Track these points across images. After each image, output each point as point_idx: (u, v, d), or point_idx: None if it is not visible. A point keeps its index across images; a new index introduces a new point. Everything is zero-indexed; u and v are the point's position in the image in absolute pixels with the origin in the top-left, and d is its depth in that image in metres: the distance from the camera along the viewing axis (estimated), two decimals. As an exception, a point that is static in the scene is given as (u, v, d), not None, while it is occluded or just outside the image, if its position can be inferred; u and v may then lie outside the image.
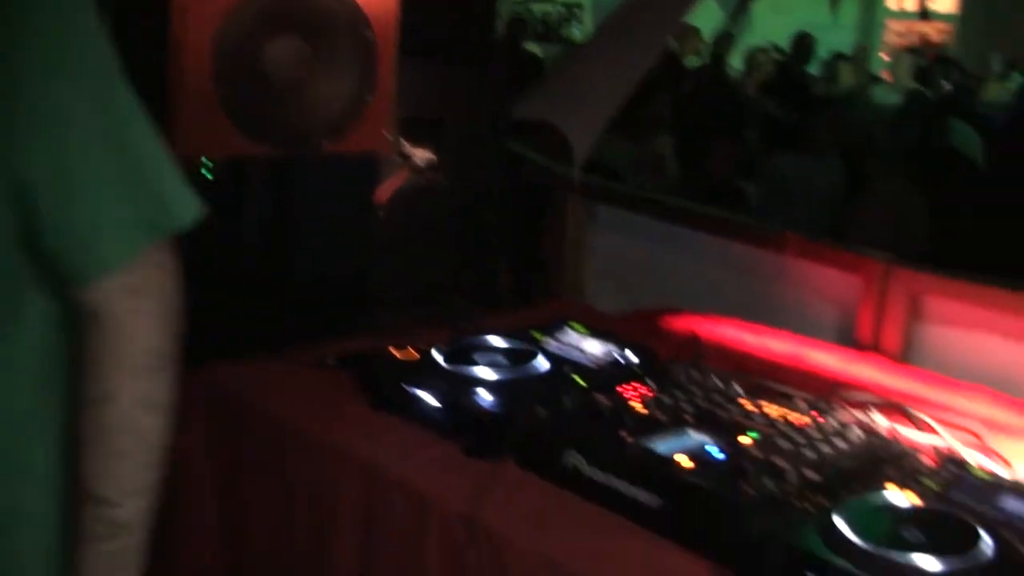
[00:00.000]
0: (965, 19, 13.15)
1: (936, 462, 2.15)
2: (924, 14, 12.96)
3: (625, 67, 3.75)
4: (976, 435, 2.41)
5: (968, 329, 2.82)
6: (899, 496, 1.95)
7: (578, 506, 2.13)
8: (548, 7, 11.48)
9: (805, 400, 2.44)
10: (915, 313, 2.88)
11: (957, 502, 1.97)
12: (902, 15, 13.07)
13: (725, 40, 9.28)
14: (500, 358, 2.58)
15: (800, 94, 8.03)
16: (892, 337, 2.87)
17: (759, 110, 7.37)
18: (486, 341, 2.66)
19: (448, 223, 4.50)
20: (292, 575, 2.49)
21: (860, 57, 10.41)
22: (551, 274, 3.93)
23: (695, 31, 9.24)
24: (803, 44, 8.98)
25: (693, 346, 2.75)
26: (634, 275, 3.63)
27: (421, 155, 4.21)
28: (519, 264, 4.47)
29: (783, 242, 3.12)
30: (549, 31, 12.37)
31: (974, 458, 2.25)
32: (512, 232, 4.42)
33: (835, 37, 12.06)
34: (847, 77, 10.58)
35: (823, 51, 10.43)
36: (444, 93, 4.58)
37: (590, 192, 3.80)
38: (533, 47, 10.39)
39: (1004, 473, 2.20)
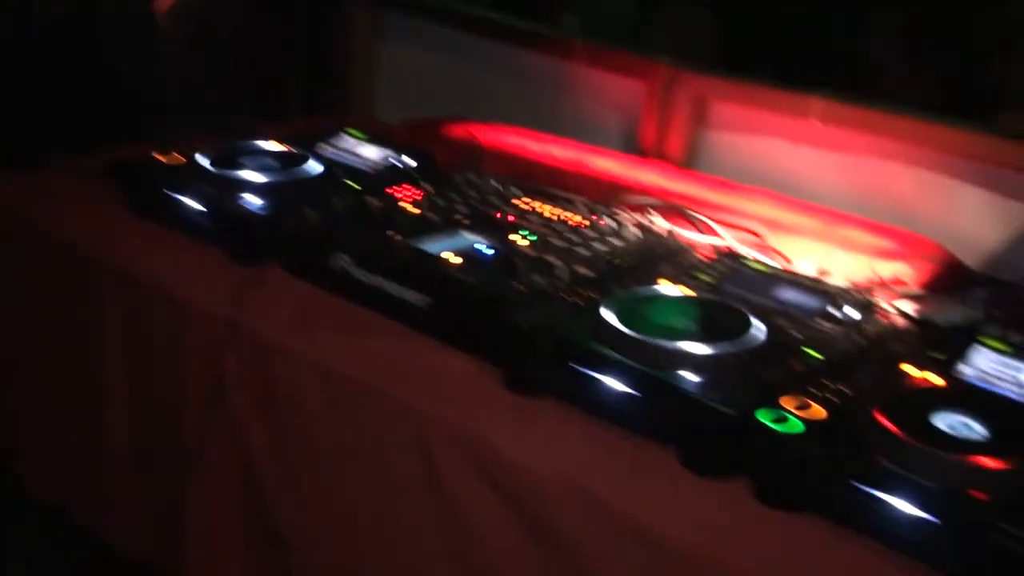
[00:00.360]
0: None
1: (712, 258, 2.12)
2: None
3: None
4: (756, 235, 2.39)
5: (753, 134, 2.78)
6: (671, 289, 1.91)
7: (346, 309, 2.04)
8: None
9: (585, 204, 2.38)
10: (700, 119, 2.83)
11: (731, 293, 1.95)
12: None
13: None
14: (270, 162, 2.45)
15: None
16: (676, 143, 2.82)
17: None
18: (256, 146, 2.52)
19: (232, 32, 4.26)
20: (55, 386, 2.37)
21: None
22: (338, 86, 3.77)
23: None
24: None
25: (473, 152, 2.66)
26: (424, 86, 3.49)
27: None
28: (306, 75, 4.28)
29: (570, 49, 3.02)
30: None
31: (756, 256, 2.23)
32: (299, 42, 4.21)
33: None
34: None
35: None
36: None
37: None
38: None
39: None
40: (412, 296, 1.94)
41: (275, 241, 2.17)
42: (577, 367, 1.70)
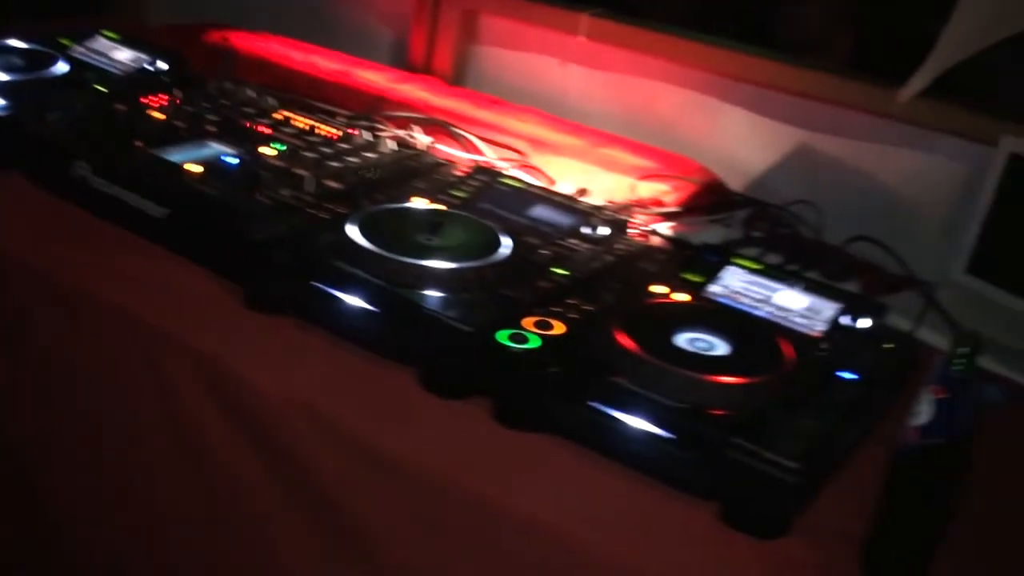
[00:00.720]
0: None
1: (468, 174, 2.07)
2: None
3: None
4: (520, 152, 2.35)
5: (523, 50, 2.73)
6: (421, 204, 1.85)
7: (88, 221, 1.92)
8: None
9: (345, 117, 2.30)
10: (470, 34, 2.76)
11: (484, 210, 1.90)
12: None
13: None
14: (16, 60, 2.30)
15: None
16: (445, 58, 2.75)
17: None
18: (3, 43, 2.36)
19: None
20: None
21: None
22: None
23: None
24: None
25: (232, 59, 2.54)
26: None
27: None
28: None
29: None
30: None
31: (517, 174, 2.19)
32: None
33: None
34: None
35: None
36: None
37: None
38: None
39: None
40: (152, 208, 1.83)
41: (13, 146, 2.03)
42: (318, 284, 1.63)
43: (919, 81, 2.19)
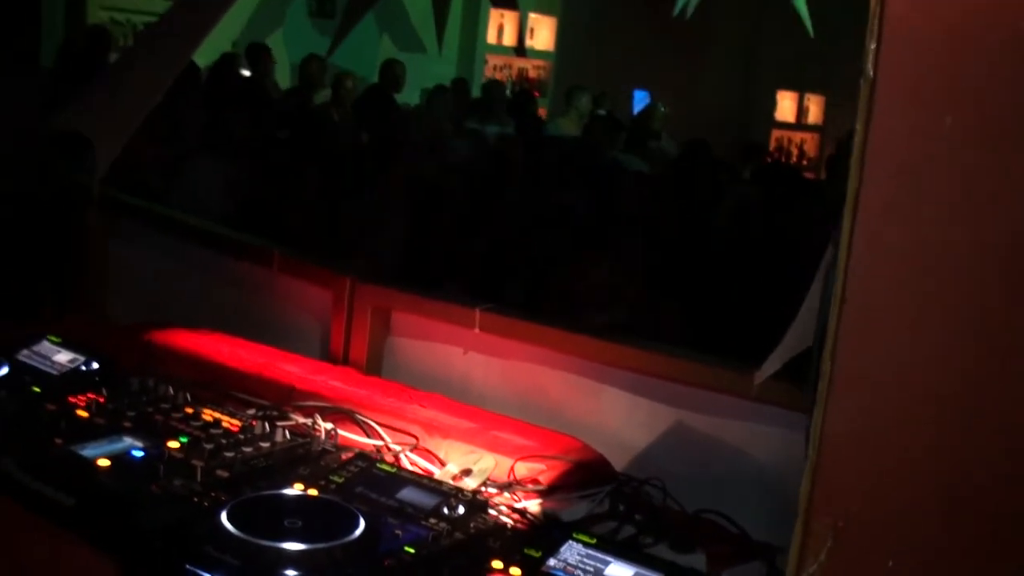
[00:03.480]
0: (559, 57, 13.92)
1: (348, 458, 2.31)
2: (520, 50, 13.60)
3: (152, 81, 3.82)
4: (415, 436, 2.60)
5: (431, 341, 3.02)
6: (295, 491, 2.10)
7: (11, 509, 2.17)
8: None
9: (256, 407, 2.58)
10: (383, 327, 3.07)
11: (356, 492, 2.14)
12: (501, 49, 13.64)
13: (314, 64, 9.37)
14: (-42, 369, 2.59)
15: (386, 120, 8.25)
16: (360, 349, 3.04)
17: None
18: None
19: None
20: None
21: (460, 88, 10.76)
22: (74, 286, 3.92)
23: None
24: (391, 71, 9.20)
25: (163, 357, 2.84)
26: (152, 289, 3.69)
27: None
28: (53, 276, 4.41)
29: (271, 258, 3.26)
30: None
31: (406, 459, 2.44)
32: (48, 243, 4.35)
33: (438, 68, 12.47)
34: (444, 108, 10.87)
35: (428, 81, 10.76)
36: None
37: (112, 205, 3.83)
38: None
39: (435, 469, 2.41)
40: (63, 497, 2.08)
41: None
42: (192, 567, 1.86)
43: (771, 366, 2.47)
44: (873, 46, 1.07)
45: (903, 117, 1.10)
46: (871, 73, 1.08)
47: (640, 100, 13.93)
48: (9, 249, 4.21)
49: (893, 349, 1.21)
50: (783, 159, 13.91)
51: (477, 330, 2.87)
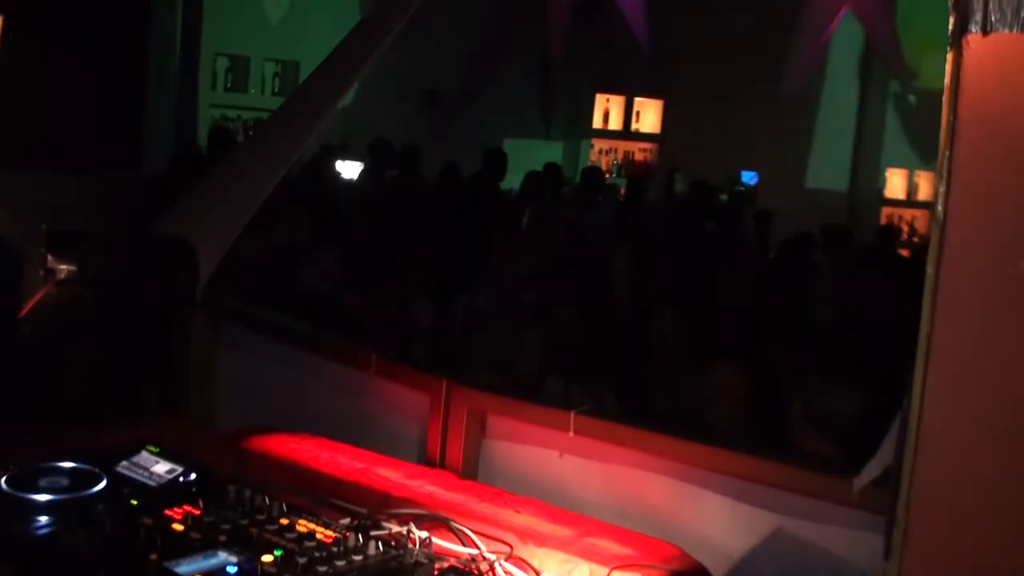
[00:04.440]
0: (665, 139, 13.94)
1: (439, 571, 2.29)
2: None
3: (255, 185, 3.89)
4: (509, 545, 2.57)
5: (525, 444, 3.01)
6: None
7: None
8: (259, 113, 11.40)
9: (354, 515, 2.57)
10: (478, 430, 3.06)
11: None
12: (606, 133, 13.74)
13: (413, 152, 9.51)
14: (63, 480, 2.62)
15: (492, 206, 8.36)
16: (456, 453, 3.04)
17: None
18: (55, 466, 2.69)
19: (92, 337, 4.47)
20: None
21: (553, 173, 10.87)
22: (181, 390, 3.99)
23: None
24: (494, 159, 9.30)
25: (252, 466, 2.86)
26: (254, 394, 3.73)
27: (65, 268, 4.22)
28: (162, 379, 4.48)
29: (368, 362, 3.28)
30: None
31: (501, 568, 2.42)
32: (154, 347, 4.43)
33: (546, 152, 12.58)
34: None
35: (535, 165, 10.90)
36: (91, 204, 4.58)
37: (215, 310, 3.90)
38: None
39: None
40: (159, 620, 2.09)
41: (55, 561, 2.32)
42: None
43: (869, 473, 2.41)
44: (943, 188, 1.04)
45: (973, 260, 1.06)
46: (941, 216, 1.05)
47: (749, 178, 13.91)
48: (114, 354, 4.29)
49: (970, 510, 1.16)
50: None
51: (572, 434, 2.84)
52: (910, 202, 14.46)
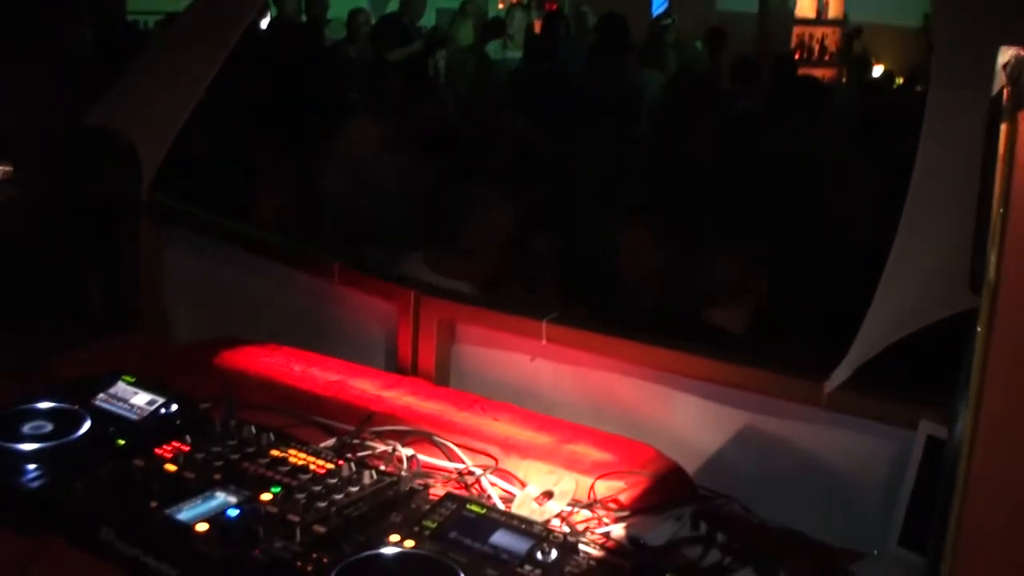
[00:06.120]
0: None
1: (438, 499, 2.36)
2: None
3: (191, 76, 3.78)
4: (494, 458, 2.64)
5: (497, 348, 3.06)
6: (393, 548, 2.15)
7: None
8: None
9: (339, 438, 2.63)
10: (450, 336, 3.10)
11: (451, 539, 2.19)
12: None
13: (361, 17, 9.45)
14: (46, 425, 2.62)
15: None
16: (428, 360, 3.09)
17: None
18: (34, 408, 2.68)
19: (31, 239, 4.39)
20: None
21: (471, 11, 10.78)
22: (130, 297, 3.96)
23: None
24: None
25: (227, 385, 2.89)
26: (210, 300, 3.73)
27: (-1, 168, 4.16)
28: (108, 280, 4.42)
29: (331, 271, 3.29)
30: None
31: (487, 481, 2.51)
32: (98, 248, 4.36)
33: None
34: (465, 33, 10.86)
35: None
36: (23, 100, 4.47)
37: (163, 212, 3.85)
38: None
39: (516, 491, 2.50)
40: (165, 568, 2.14)
41: (47, 515, 2.34)
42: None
43: (840, 374, 2.51)
44: (994, 257, 1.08)
45: None
46: (993, 280, 1.09)
47: (659, 6, 13.87)
48: (56, 256, 4.22)
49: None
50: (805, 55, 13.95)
51: (544, 342, 2.90)
52: (820, 20, 14.61)
